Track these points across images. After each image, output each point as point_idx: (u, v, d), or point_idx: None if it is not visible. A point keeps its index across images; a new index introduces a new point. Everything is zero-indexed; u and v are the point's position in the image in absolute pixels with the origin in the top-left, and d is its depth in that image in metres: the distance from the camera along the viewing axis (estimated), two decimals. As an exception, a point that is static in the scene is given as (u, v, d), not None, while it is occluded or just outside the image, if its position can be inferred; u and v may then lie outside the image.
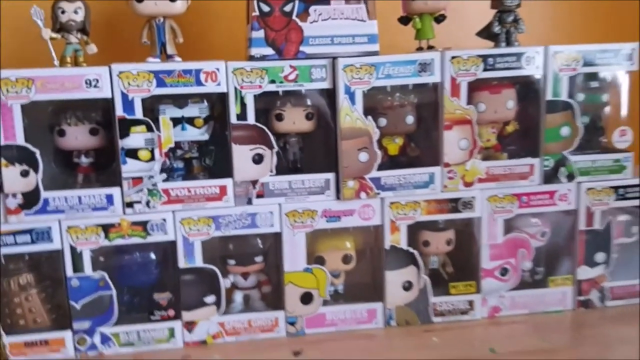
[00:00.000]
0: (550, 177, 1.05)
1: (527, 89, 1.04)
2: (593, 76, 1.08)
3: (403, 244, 1.03)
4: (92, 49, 0.98)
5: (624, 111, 1.09)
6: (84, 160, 1.01)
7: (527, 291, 1.09)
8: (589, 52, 1.03)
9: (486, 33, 1.05)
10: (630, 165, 1.07)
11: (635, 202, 1.09)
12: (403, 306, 1.06)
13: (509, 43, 1.05)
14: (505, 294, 1.08)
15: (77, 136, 0.98)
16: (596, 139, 1.11)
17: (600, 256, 1.09)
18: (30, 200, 0.95)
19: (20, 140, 0.93)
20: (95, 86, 0.93)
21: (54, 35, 0.96)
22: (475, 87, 1.02)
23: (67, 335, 0.99)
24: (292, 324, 1.04)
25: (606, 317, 1.08)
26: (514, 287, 1.08)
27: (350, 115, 0.98)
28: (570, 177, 1.06)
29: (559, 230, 1.10)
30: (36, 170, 0.94)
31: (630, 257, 1.13)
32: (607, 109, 1.11)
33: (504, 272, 1.07)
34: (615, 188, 1.07)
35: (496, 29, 1.04)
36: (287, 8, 0.96)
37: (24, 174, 0.95)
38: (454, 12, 1.08)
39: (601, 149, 1.10)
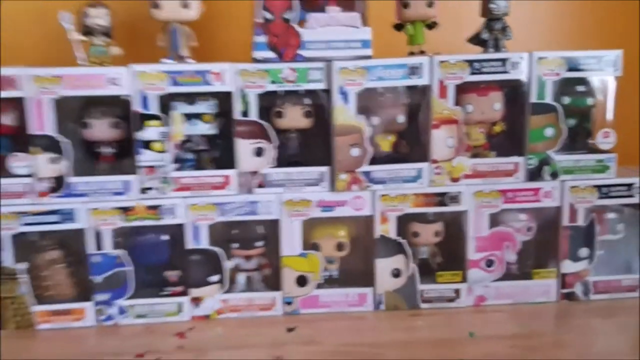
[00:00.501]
0: (534, 174, 1.12)
1: (514, 92, 1.11)
2: (580, 81, 1.13)
3: (392, 234, 1.11)
4: (115, 50, 1.10)
5: (610, 115, 1.14)
6: (106, 150, 1.11)
7: (512, 282, 1.15)
8: (572, 58, 1.09)
9: (476, 39, 1.13)
10: (613, 165, 1.13)
11: (618, 201, 1.14)
12: (392, 292, 1.14)
13: (497, 49, 1.12)
14: (490, 284, 1.15)
15: (100, 129, 1.09)
16: (584, 140, 1.16)
17: (583, 251, 1.15)
18: (58, 184, 1.07)
19: (50, 131, 1.05)
20: (116, 84, 1.05)
21: (81, 37, 1.08)
22: (464, 89, 1.09)
23: (88, 306, 1.10)
24: (289, 303, 1.13)
25: (589, 310, 1.13)
26: (499, 277, 1.15)
27: (344, 113, 1.07)
28: (554, 175, 1.12)
29: (546, 226, 1.16)
30: (64, 158, 1.06)
31: (616, 253, 1.18)
32: (595, 112, 1.16)
33: (490, 263, 1.14)
34: (599, 187, 1.13)
35: (484, 35, 1.11)
36: (287, 16, 1.06)
37: (53, 161, 1.06)
38: (450, 19, 1.16)
39: (588, 150, 1.15)
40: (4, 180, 1.07)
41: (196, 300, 1.12)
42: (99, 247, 1.09)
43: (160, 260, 1.13)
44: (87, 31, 1.08)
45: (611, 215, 1.17)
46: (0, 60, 1.19)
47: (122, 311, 1.11)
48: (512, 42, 1.14)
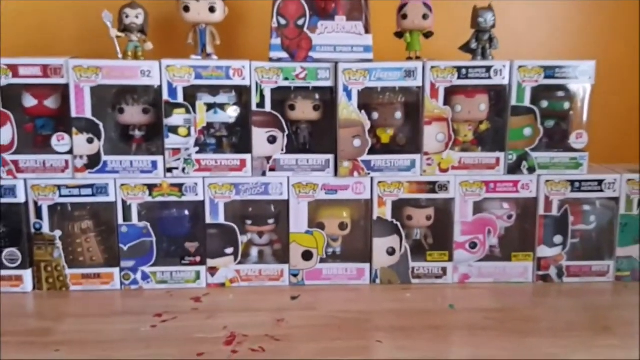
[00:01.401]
0: (514, 168, 1.25)
1: (498, 95, 1.25)
2: (560, 86, 1.26)
3: (388, 216, 1.25)
4: (149, 46, 1.23)
5: (585, 117, 1.27)
6: (137, 133, 1.23)
7: (493, 263, 1.28)
8: (549, 67, 1.22)
9: (466, 48, 1.26)
10: (585, 163, 1.27)
11: (590, 195, 1.27)
12: (387, 268, 1.27)
13: (484, 57, 1.26)
14: (473, 264, 1.28)
15: (133, 114, 1.22)
16: (561, 140, 1.29)
17: (558, 238, 1.28)
18: (93, 161, 1.20)
19: (88, 114, 1.18)
20: (148, 76, 1.18)
21: (119, 34, 1.20)
22: (454, 91, 1.23)
23: (115, 271, 1.23)
24: (295, 275, 1.27)
25: (561, 291, 1.26)
26: (482, 258, 1.28)
27: (347, 109, 1.21)
28: (531, 170, 1.26)
29: (524, 214, 1.30)
30: (99, 139, 1.19)
31: (589, 242, 1.32)
32: (572, 115, 1.30)
33: (473, 245, 1.28)
34: (572, 182, 1.26)
35: (473, 45, 1.25)
36: (300, 22, 1.20)
37: (90, 141, 1.19)
38: (447, 29, 1.30)
39: (565, 149, 1.28)
40: (46, 157, 1.20)
41: (212, 270, 1.25)
42: (127, 219, 1.22)
43: (182, 233, 1.26)
44: (125, 28, 1.21)
45: (585, 207, 1.30)
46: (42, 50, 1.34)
47: (145, 277, 1.24)
48: (501, 50, 1.27)
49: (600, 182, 1.27)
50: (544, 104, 1.26)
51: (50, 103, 1.22)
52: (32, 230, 1.22)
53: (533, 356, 0.98)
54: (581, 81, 1.25)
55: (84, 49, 1.31)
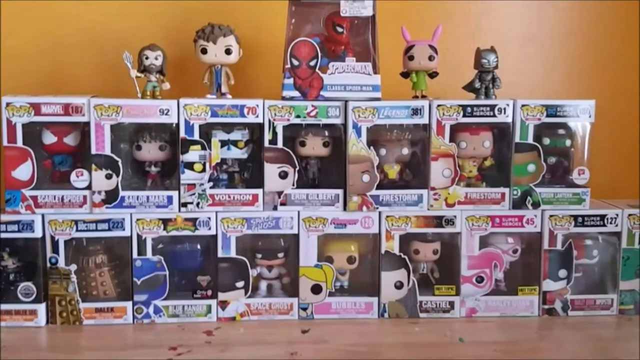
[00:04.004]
0: (519, 204, 1.29)
1: (502, 132, 1.30)
2: (560, 124, 1.31)
3: (396, 250, 1.28)
4: (167, 86, 1.28)
5: (585, 154, 1.32)
6: (153, 169, 1.27)
7: (499, 297, 1.31)
8: (551, 106, 1.28)
9: (469, 87, 1.32)
10: (588, 198, 1.31)
11: (592, 230, 1.31)
12: (395, 302, 1.30)
13: (487, 96, 1.31)
14: (480, 298, 1.30)
15: (150, 150, 1.26)
16: (563, 176, 1.33)
17: (562, 272, 1.31)
18: (111, 197, 1.23)
19: (107, 151, 1.22)
20: (166, 114, 1.23)
21: (139, 74, 1.25)
22: (459, 128, 1.28)
23: (128, 305, 1.25)
24: (304, 309, 1.29)
25: (566, 324, 1.28)
26: (488, 292, 1.30)
27: (357, 145, 1.26)
28: (535, 205, 1.29)
29: (529, 249, 1.33)
30: (117, 175, 1.23)
31: (592, 276, 1.34)
32: (573, 152, 1.34)
33: (480, 279, 1.30)
34: (575, 217, 1.30)
35: (477, 85, 1.30)
36: (312, 63, 1.26)
37: (108, 176, 1.23)
38: (450, 70, 1.36)
39: (567, 185, 1.32)
40: (64, 192, 1.24)
41: (223, 303, 1.27)
42: (141, 253, 1.25)
43: (194, 266, 1.28)
44: (145, 69, 1.27)
45: (587, 242, 1.33)
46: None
47: (157, 310, 1.26)
48: (504, 89, 1.32)
49: (602, 217, 1.30)
50: (546, 141, 1.31)
51: (70, 140, 1.26)
52: (48, 265, 1.24)
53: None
54: (582, 119, 1.29)
55: (99, 88, 1.36)
